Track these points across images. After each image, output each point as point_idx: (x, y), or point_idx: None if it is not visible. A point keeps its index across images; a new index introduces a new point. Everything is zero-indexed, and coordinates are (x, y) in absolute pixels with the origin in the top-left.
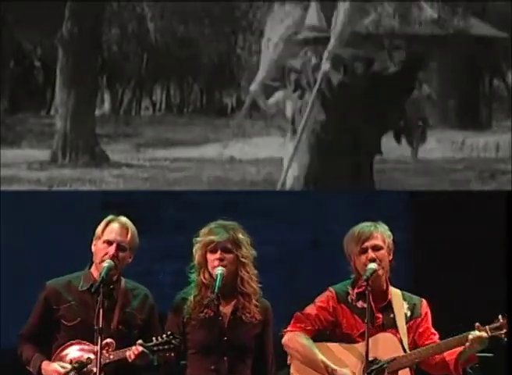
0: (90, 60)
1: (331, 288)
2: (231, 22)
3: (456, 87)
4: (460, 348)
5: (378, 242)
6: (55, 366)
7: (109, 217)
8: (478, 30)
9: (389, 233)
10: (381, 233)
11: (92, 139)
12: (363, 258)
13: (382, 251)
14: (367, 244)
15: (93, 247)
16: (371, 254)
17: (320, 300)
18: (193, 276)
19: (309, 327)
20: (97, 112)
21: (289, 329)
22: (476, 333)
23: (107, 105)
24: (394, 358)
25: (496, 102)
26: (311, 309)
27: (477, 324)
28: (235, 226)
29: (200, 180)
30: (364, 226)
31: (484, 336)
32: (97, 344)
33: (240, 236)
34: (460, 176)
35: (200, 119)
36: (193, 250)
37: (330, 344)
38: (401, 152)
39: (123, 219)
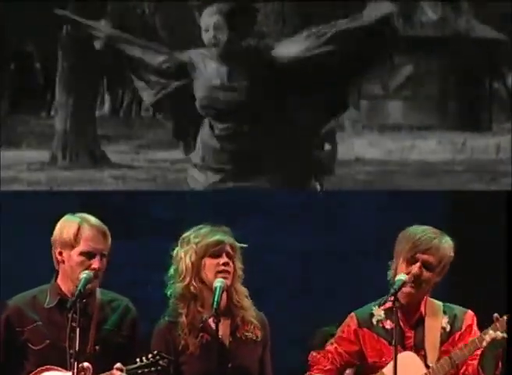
0: (90, 62)
1: (352, 313)
2: None
3: (456, 89)
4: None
5: (433, 260)
6: None
7: (76, 219)
8: (479, 32)
9: (450, 253)
10: (442, 250)
11: (92, 140)
12: (406, 266)
13: (429, 273)
14: (419, 255)
15: (59, 256)
16: (415, 269)
17: (340, 330)
18: (172, 289)
19: (328, 367)
20: (97, 114)
21: (307, 374)
22: (491, 333)
23: (107, 107)
24: None
25: (496, 104)
26: (330, 345)
27: (495, 317)
28: (229, 231)
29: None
30: (428, 235)
31: (501, 336)
32: (71, 370)
33: (237, 243)
34: (460, 178)
35: None
36: (181, 252)
37: None
38: (401, 154)
39: (93, 219)
